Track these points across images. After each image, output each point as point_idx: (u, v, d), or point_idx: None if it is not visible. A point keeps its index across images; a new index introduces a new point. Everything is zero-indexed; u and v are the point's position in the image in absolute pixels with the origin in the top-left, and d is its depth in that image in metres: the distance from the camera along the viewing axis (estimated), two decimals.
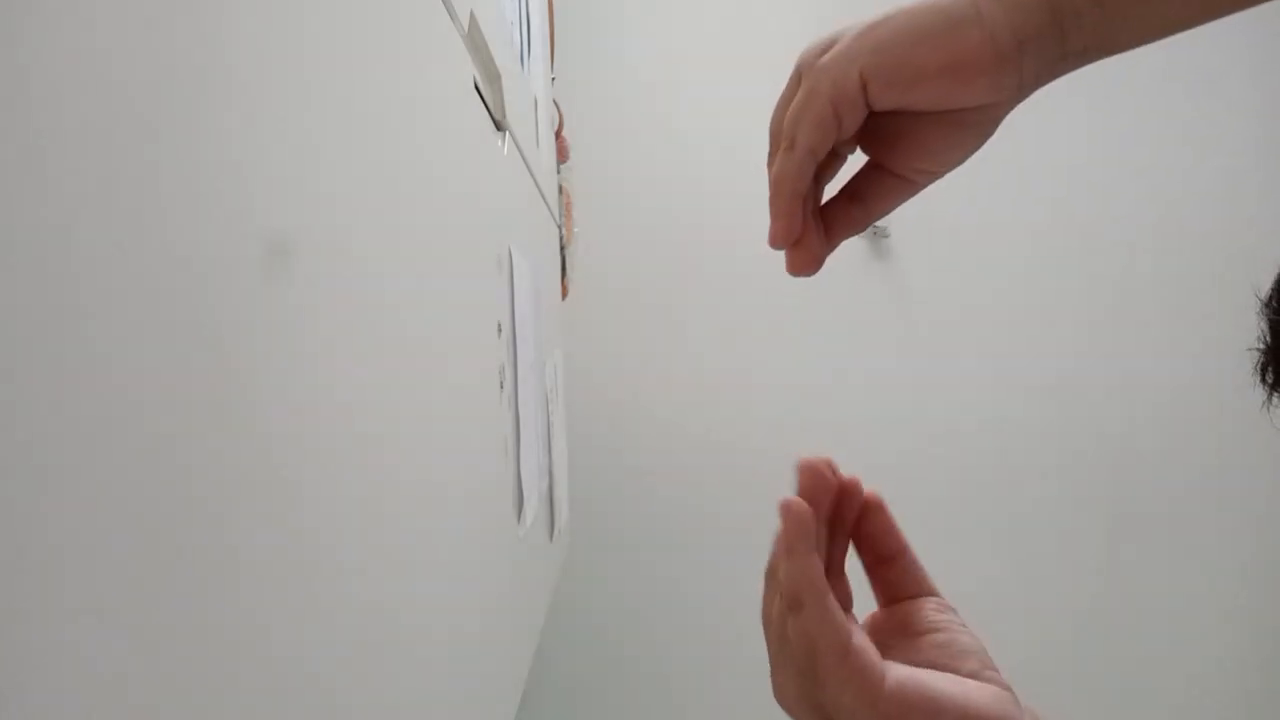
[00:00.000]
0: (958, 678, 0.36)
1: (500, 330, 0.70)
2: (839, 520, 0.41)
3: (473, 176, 0.63)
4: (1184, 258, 1.98)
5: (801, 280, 0.44)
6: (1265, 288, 0.48)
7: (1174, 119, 1.99)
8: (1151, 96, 1.98)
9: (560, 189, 1.46)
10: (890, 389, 1.95)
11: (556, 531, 1.12)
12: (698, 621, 1.90)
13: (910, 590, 0.41)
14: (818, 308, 1.93)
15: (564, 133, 1.54)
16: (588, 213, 1.80)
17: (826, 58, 0.39)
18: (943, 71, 0.37)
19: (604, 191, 1.88)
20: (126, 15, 0.20)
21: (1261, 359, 0.48)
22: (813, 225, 0.43)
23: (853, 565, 0.42)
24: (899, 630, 0.40)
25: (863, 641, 0.35)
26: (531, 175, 0.98)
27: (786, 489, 0.40)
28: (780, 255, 0.44)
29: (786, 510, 0.37)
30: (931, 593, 0.41)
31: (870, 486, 0.42)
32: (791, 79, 0.41)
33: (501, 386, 0.70)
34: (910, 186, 0.43)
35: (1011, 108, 0.40)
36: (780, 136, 0.42)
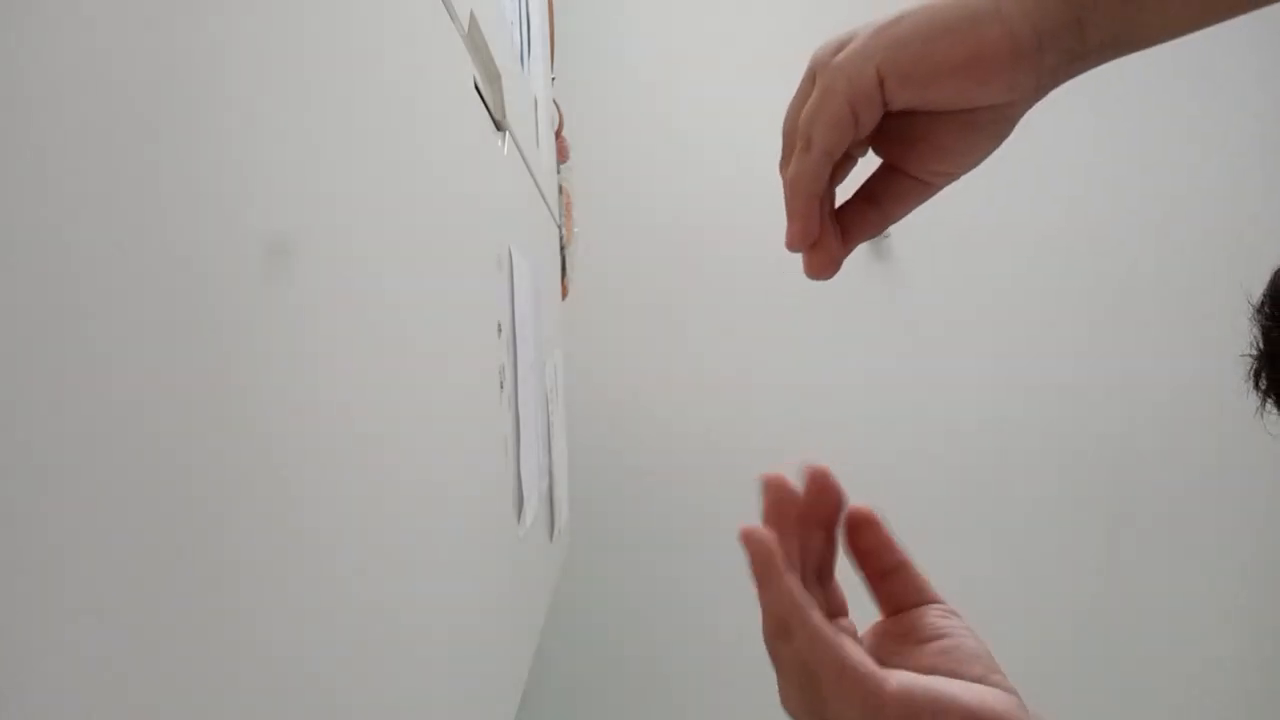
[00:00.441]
0: (962, 682, 0.36)
1: (500, 330, 0.70)
2: (821, 523, 0.41)
3: (473, 176, 0.63)
4: (1185, 259, 1.98)
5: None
6: (1257, 295, 0.48)
7: (1176, 120, 1.99)
8: (1153, 98, 1.98)
9: (560, 189, 1.46)
10: (890, 389, 1.95)
11: (556, 531, 1.12)
12: (698, 621, 1.90)
13: (913, 599, 0.41)
14: (818, 308, 1.93)
15: (564, 133, 1.54)
16: (588, 213, 1.80)
17: (842, 56, 0.39)
18: (961, 67, 0.37)
19: (604, 191, 1.88)
20: (126, 15, 0.20)
21: (1254, 365, 0.48)
22: (830, 227, 0.42)
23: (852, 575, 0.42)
24: (904, 638, 0.40)
25: (857, 654, 0.35)
26: (531, 175, 0.98)
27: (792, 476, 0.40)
28: (782, 256, 0.43)
29: (748, 541, 0.36)
30: (934, 600, 0.41)
31: (865, 498, 0.41)
32: (805, 78, 0.41)
33: (501, 386, 0.70)
34: (926, 189, 0.42)
35: (1028, 107, 0.39)
36: (794, 137, 0.41)
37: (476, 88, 0.66)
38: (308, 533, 0.30)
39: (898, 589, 0.41)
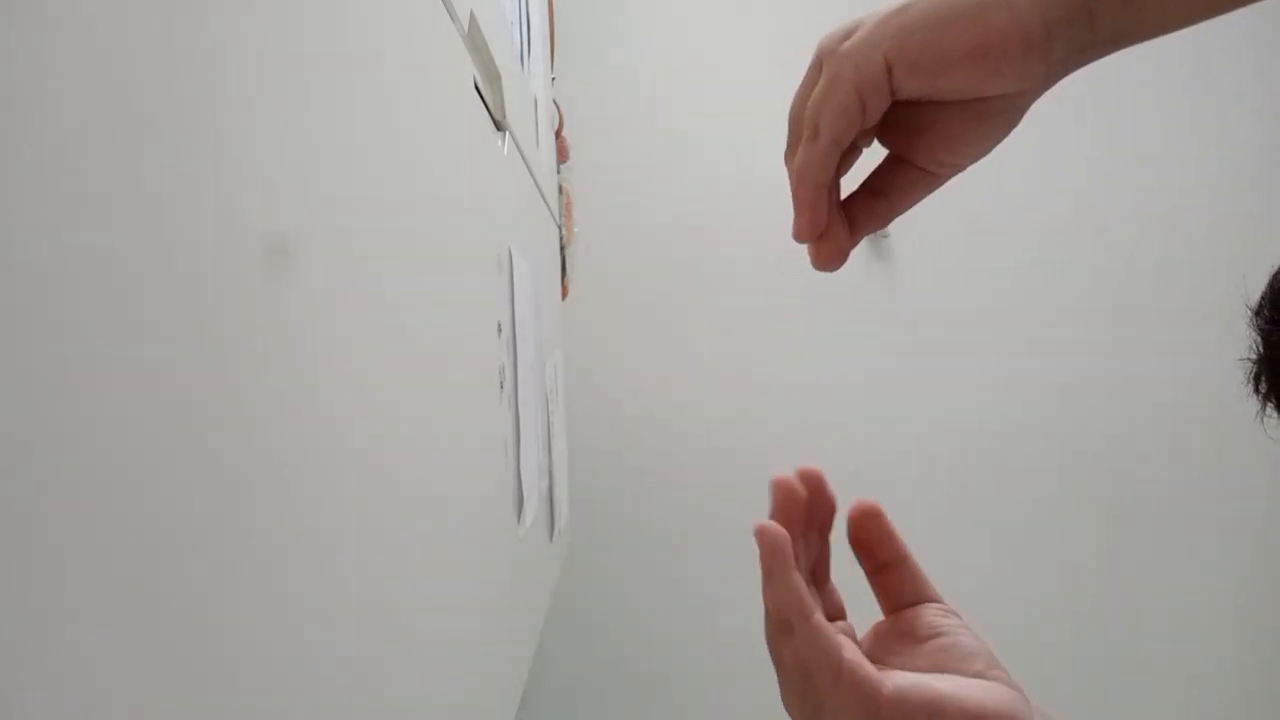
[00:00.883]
0: (961, 678, 0.36)
1: (500, 330, 0.70)
2: (817, 525, 0.41)
3: (473, 176, 0.63)
4: (1185, 258, 1.98)
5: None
6: (1255, 298, 0.48)
7: (1176, 119, 1.99)
8: (1154, 97, 1.98)
9: (560, 189, 1.46)
10: (890, 389, 1.95)
11: (556, 531, 1.12)
12: (698, 621, 1.90)
13: (912, 597, 0.41)
14: (818, 308, 1.93)
15: (564, 133, 1.54)
16: (588, 213, 1.80)
17: (849, 43, 0.38)
18: (970, 55, 0.36)
19: (604, 191, 1.88)
20: (126, 15, 0.20)
21: (1254, 369, 0.48)
22: (837, 218, 0.42)
23: (855, 572, 0.42)
24: (903, 637, 0.40)
25: (854, 655, 0.35)
26: (531, 175, 0.98)
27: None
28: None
29: (762, 536, 0.36)
30: (933, 598, 0.41)
31: (868, 493, 0.41)
32: (811, 68, 0.40)
33: (501, 386, 0.70)
34: (934, 180, 0.42)
35: (1036, 97, 0.39)
36: (800, 126, 0.41)
37: (476, 88, 0.66)
38: (307, 533, 0.30)
39: (897, 584, 0.41)
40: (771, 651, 0.38)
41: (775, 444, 1.91)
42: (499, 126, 0.77)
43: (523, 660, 0.82)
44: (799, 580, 0.36)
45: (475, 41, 0.66)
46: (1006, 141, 0.42)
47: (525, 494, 0.79)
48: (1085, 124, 1.96)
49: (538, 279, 0.96)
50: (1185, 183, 1.99)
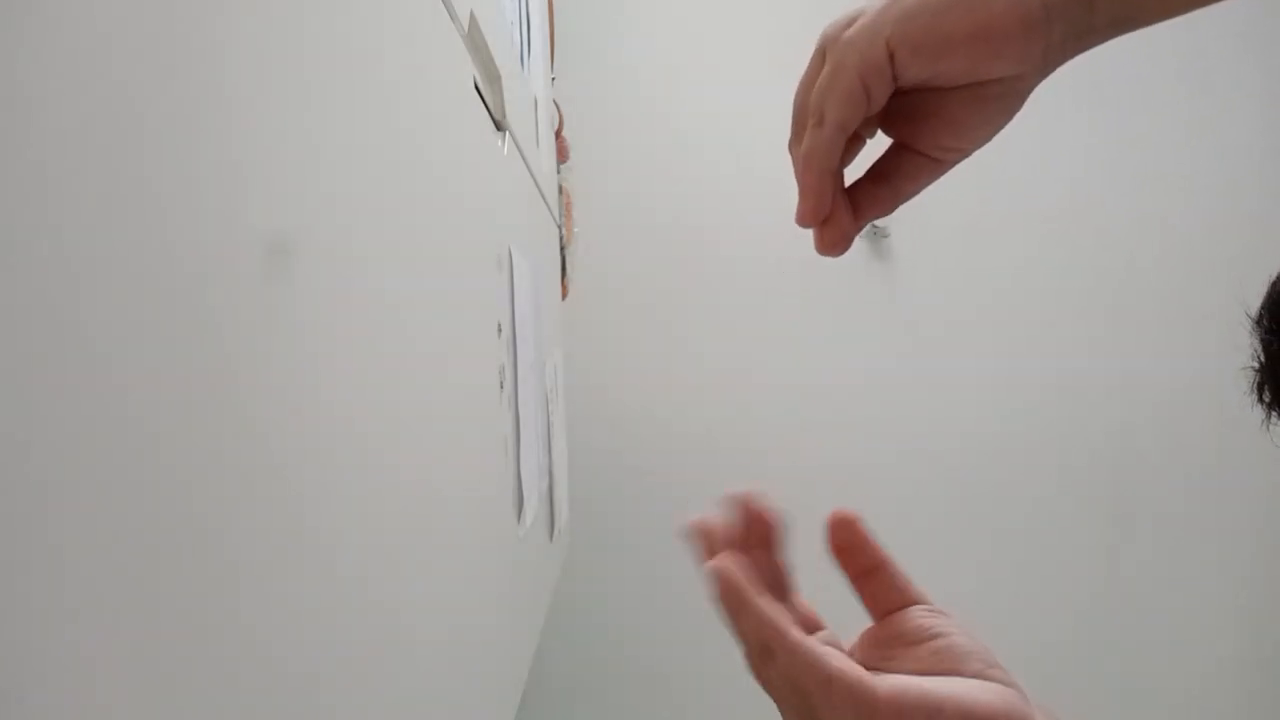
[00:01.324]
0: (957, 678, 0.36)
1: (500, 330, 0.70)
2: (760, 542, 0.41)
3: (473, 176, 0.63)
4: (1185, 257, 1.98)
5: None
6: (1255, 306, 0.48)
7: (1176, 116, 1.99)
8: (1153, 94, 1.98)
9: (560, 189, 1.46)
10: (890, 389, 1.95)
11: (556, 531, 1.12)
12: (698, 622, 1.90)
13: (898, 600, 0.41)
14: (818, 308, 1.93)
15: (564, 133, 1.54)
16: (588, 213, 1.80)
17: (852, 30, 0.39)
18: (971, 38, 0.37)
19: (604, 191, 1.88)
20: (126, 15, 0.20)
21: (1257, 378, 0.48)
22: (842, 202, 0.42)
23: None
24: (896, 641, 0.39)
25: (842, 663, 0.34)
26: (531, 175, 0.98)
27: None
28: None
29: (713, 574, 0.36)
30: (919, 600, 0.41)
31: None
32: (815, 56, 0.41)
33: (501, 386, 0.70)
34: (938, 166, 0.42)
35: (1037, 81, 0.39)
36: (805, 114, 0.41)
37: (476, 88, 0.66)
38: (307, 533, 0.30)
39: (880, 589, 0.41)
40: (760, 683, 0.37)
41: (775, 444, 1.91)
42: (499, 126, 0.77)
43: (523, 660, 0.82)
44: (765, 603, 0.35)
45: (475, 41, 0.66)
46: (1006, 140, 0.42)
47: (525, 494, 0.79)
48: (1085, 123, 1.96)
49: (538, 279, 0.96)
50: (1184, 181, 1.99)
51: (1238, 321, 0.50)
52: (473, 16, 0.63)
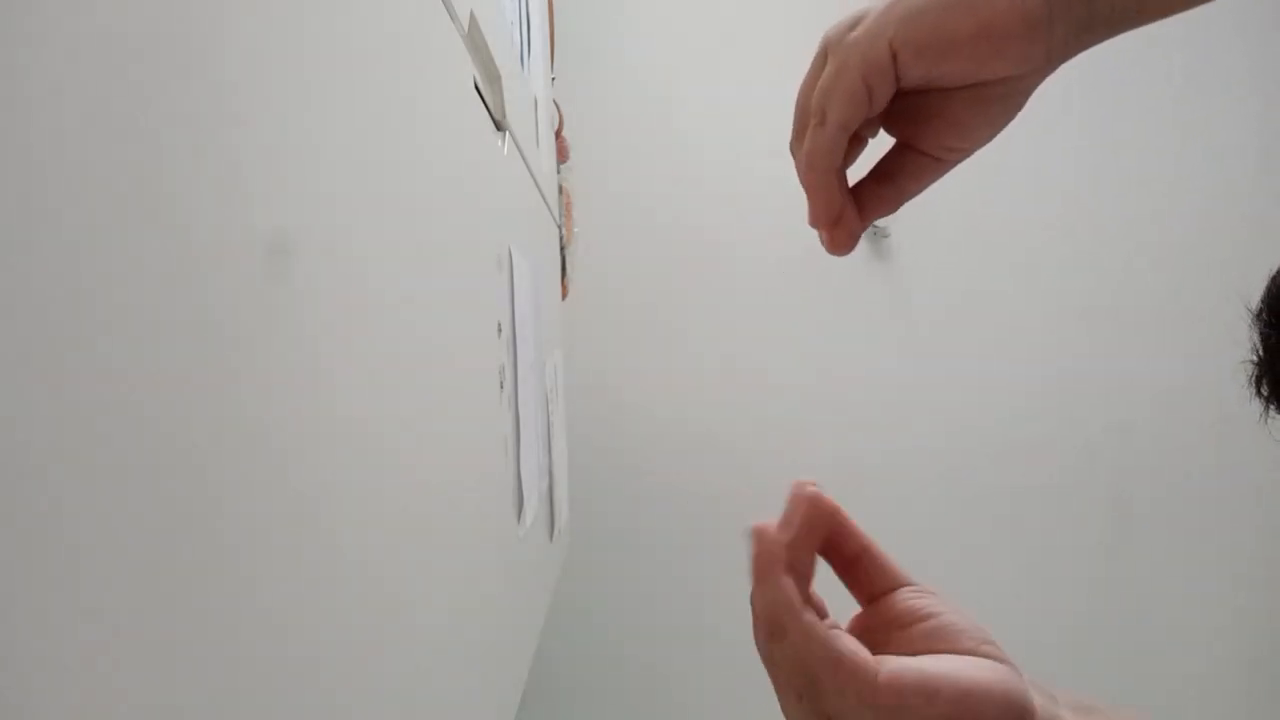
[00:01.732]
0: (953, 657, 0.36)
1: (500, 330, 0.70)
2: (812, 543, 0.41)
3: (473, 176, 0.63)
4: (1185, 256, 1.98)
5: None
6: (1255, 300, 0.48)
7: (1173, 117, 1.99)
8: (1151, 96, 1.98)
9: (560, 189, 1.46)
10: (890, 388, 1.95)
11: (556, 531, 1.12)
12: (698, 621, 1.90)
13: (883, 585, 0.41)
14: (818, 308, 1.93)
15: (564, 133, 1.54)
16: (588, 213, 1.80)
17: (855, 32, 0.39)
18: (973, 38, 0.37)
19: (604, 191, 1.88)
20: (126, 15, 0.20)
21: (1255, 372, 0.49)
22: (849, 201, 0.42)
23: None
24: (887, 625, 0.40)
25: (850, 645, 0.35)
26: (531, 175, 0.98)
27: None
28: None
29: (757, 537, 0.36)
30: (906, 582, 0.41)
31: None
32: (817, 57, 0.41)
33: (501, 386, 0.70)
34: (940, 165, 0.43)
35: (1040, 80, 0.40)
36: (807, 115, 0.41)
37: (476, 88, 0.66)
38: (306, 533, 0.30)
39: (865, 576, 0.41)
40: (764, 657, 0.37)
41: (775, 443, 1.91)
42: (499, 126, 0.77)
43: (523, 660, 0.82)
44: (789, 582, 0.36)
45: (475, 41, 0.66)
46: (1005, 139, 0.42)
47: (525, 494, 0.79)
48: (1084, 123, 1.96)
49: (538, 279, 0.96)
50: (1182, 181, 1.99)
51: (1236, 320, 0.50)
52: (473, 16, 0.63)
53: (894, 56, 0.38)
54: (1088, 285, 1.98)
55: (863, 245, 1.93)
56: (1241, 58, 1.98)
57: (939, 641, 0.37)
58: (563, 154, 1.52)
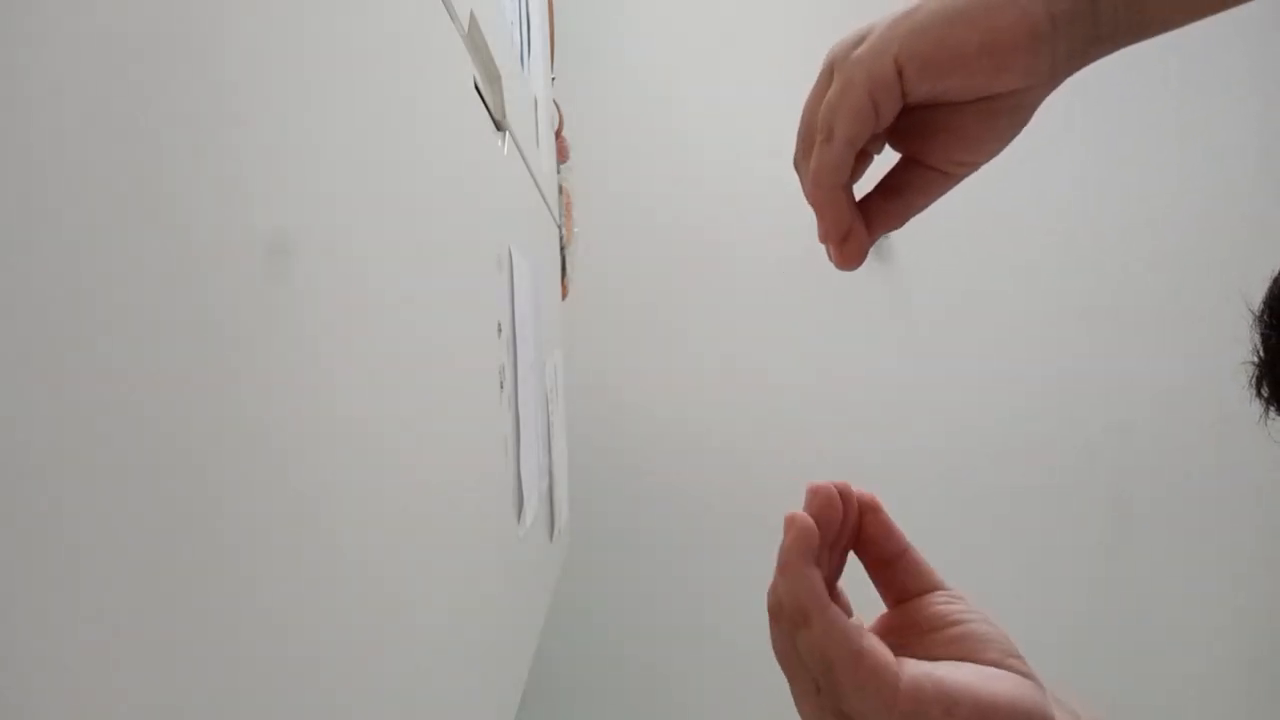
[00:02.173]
0: (975, 667, 0.36)
1: (500, 330, 0.70)
2: (839, 537, 0.41)
3: (473, 176, 0.63)
4: (1185, 256, 1.98)
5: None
6: (1258, 301, 0.48)
7: (1173, 118, 1.99)
8: (1150, 97, 1.98)
9: (560, 189, 1.46)
10: (890, 389, 1.95)
11: (556, 531, 1.12)
12: (698, 621, 1.90)
13: (915, 588, 0.41)
14: (818, 308, 1.93)
15: (564, 133, 1.54)
16: (588, 213, 1.80)
17: (860, 49, 0.39)
18: (979, 53, 0.37)
19: (604, 191, 1.88)
20: (126, 15, 0.20)
21: (1256, 373, 0.49)
22: (858, 217, 0.42)
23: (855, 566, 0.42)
24: (912, 629, 0.39)
25: (873, 643, 0.35)
26: (531, 175, 0.98)
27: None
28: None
29: (791, 523, 0.36)
30: (938, 586, 0.41)
31: (873, 490, 0.41)
32: (822, 75, 0.41)
33: (501, 386, 0.70)
34: (948, 180, 0.43)
35: (1045, 94, 0.40)
36: (813, 131, 0.41)
37: (476, 88, 0.66)
38: (306, 533, 0.30)
39: (900, 577, 0.41)
40: (780, 649, 0.37)
41: (775, 443, 1.91)
42: (499, 126, 0.77)
43: (523, 660, 0.82)
44: (816, 572, 0.36)
45: (475, 41, 0.66)
46: (1008, 144, 0.42)
47: (525, 494, 0.79)
48: (1084, 124, 1.96)
49: (538, 279, 0.96)
50: (1182, 182, 1.99)
51: (1236, 320, 0.50)
52: (473, 16, 0.63)
53: (899, 72, 0.38)
54: (1088, 286, 1.98)
55: None
56: (1241, 58, 1.98)
57: (964, 650, 0.37)
58: (563, 154, 1.52)
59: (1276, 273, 0.49)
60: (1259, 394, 0.48)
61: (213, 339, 0.24)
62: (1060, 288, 1.98)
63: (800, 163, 0.42)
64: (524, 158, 0.91)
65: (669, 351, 1.92)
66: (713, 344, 1.93)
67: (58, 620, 0.17)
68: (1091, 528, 1.98)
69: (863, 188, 0.44)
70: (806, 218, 0.43)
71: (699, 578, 1.89)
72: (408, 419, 0.43)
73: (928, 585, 0.41)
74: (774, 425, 1.93)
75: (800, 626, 0.35)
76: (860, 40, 0.39)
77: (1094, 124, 1.97)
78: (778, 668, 0.38)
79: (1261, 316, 0.48)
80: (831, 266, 0.44)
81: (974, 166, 0.42)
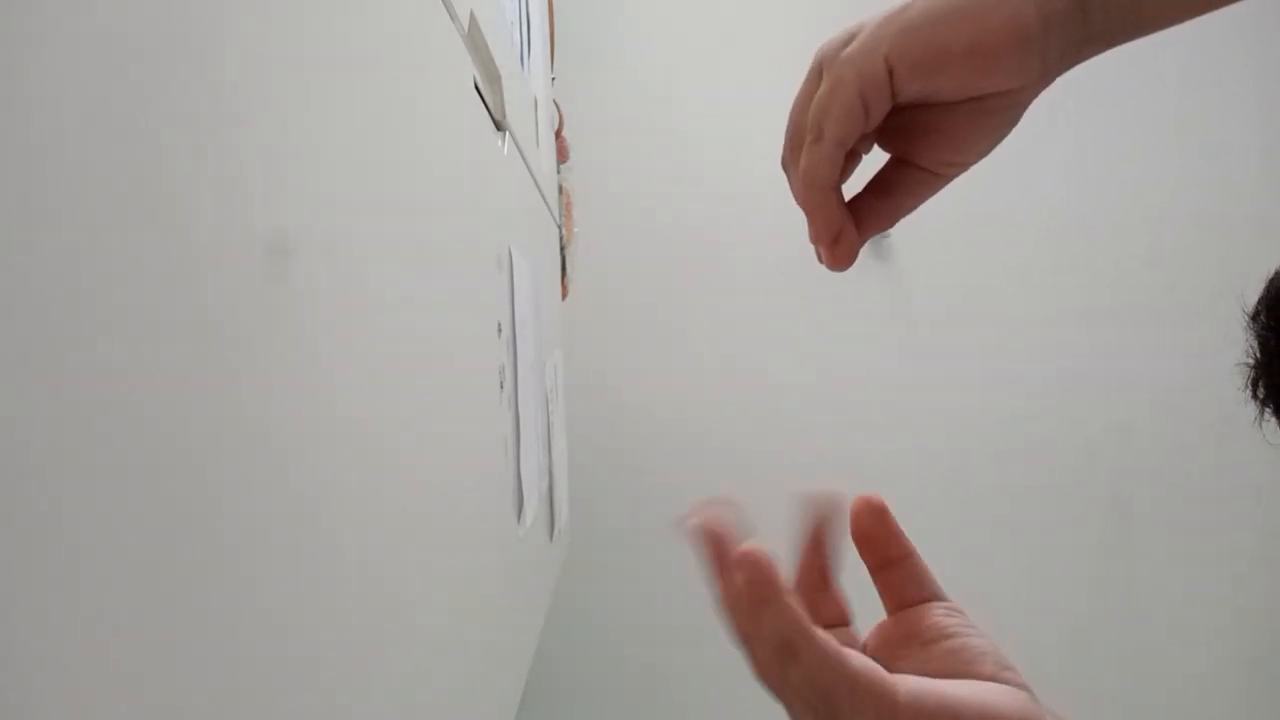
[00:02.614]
0: (974, 682, 0.36)
1: (500, 330, 0.70)
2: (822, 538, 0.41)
3: (473, 176, 0.63)
4: (1185, 256, 1.98)
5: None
6: (1252, 303, 0.48)
7: (1172, 117, 1.99)
8: (1149, 95, 1.98)
9: (560, 189, 1.46)
10: (890, 389, 1.95)
11: (556, 531, 1.12)
12: (698, 621, 1.90)
13: (916, 595, 0.40)
14: (818, 308, 1.93)
15: (564, 133, 1.54)
16: (588, 213, 1.80)
17: (850, 48, 0.39)
18: (969, 54, 0.37)
19: (604, 191, 1.88)
20: (126, 15, 0.20)
21: (1252, 374, 0.48)
22: (848, 217, 0.42)
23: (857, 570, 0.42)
24: (909, 638, 0.39)
25: (864, 664, 0.34)
26: (531, 175, 0.98)
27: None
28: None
29: (746, 563, 0.34)
30: (938, 597, 0.41)
31: (873, 490, 0.41)
32: (811, 74, 0.41)
33: (501, 386, 0.70)
34: (938, 180, 0.42)
35: (1035, 94, 0.40)
36: (801, 131, 0.41)
37: (476, 88, 0.66)
38: (307, 533, 0.30)
39: (901, 582, 0.41)
40: (771, 682, 0.36)
41: (775, 443, 1.91)
42: (499, 126, 0.77)
43: (523, 660, 0.82)
44: (795, 601, 0.34)
45: (475, 41, 0.66)
46: (1005, 140, 0.42)
47: (525, 494, 0.79)
48: (1082, 123, 1.96)
49: (538, 279, 0.96)
50: (1182, 180, 1.99)
51: (1236, 320, 0.50)
52: (473, 16, 0.63)
53: (890, 72, 0.38)
54: (1088, 285, 1.98)
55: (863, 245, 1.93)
56: (1241, 57, 1.98)
57: (959, 663, 0.37)
58: (563, 154, 1.52)
59: (1272, 275, 0.49)
60: (1255, 396, 0.48)
61: (213, 339, 0.23)
62: (1060, 287, 1.98)
63: (789, 163, 0.42)
64: (524, 158, 0.91)
65: (669, 351, 1.92)
66: (713, 344, 1.93)
67: (58, 620, 0.17)
68: (1091, 528, 1.98)
69: (850, 188, 0.44)
70: (807, 233, 0.43)
71: (699, 578, 1.89)
72: (408, 419, 0.43)
73: (928, 594, 0.40)
74: (774, 425, 1.93)
75: (790, 660, 0.34)
76: (850, 39, 0.39)
77: (1093, 124, 1.97)
78: None
79: (1257, 318, 0.48)
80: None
81: (964, 167, 0.42)
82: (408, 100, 0.46)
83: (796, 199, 0.42)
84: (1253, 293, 0.49)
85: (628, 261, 1.91)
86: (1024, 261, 1.98)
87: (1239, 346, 0.49)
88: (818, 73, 0.40)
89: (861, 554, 0.41)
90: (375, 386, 0.38)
